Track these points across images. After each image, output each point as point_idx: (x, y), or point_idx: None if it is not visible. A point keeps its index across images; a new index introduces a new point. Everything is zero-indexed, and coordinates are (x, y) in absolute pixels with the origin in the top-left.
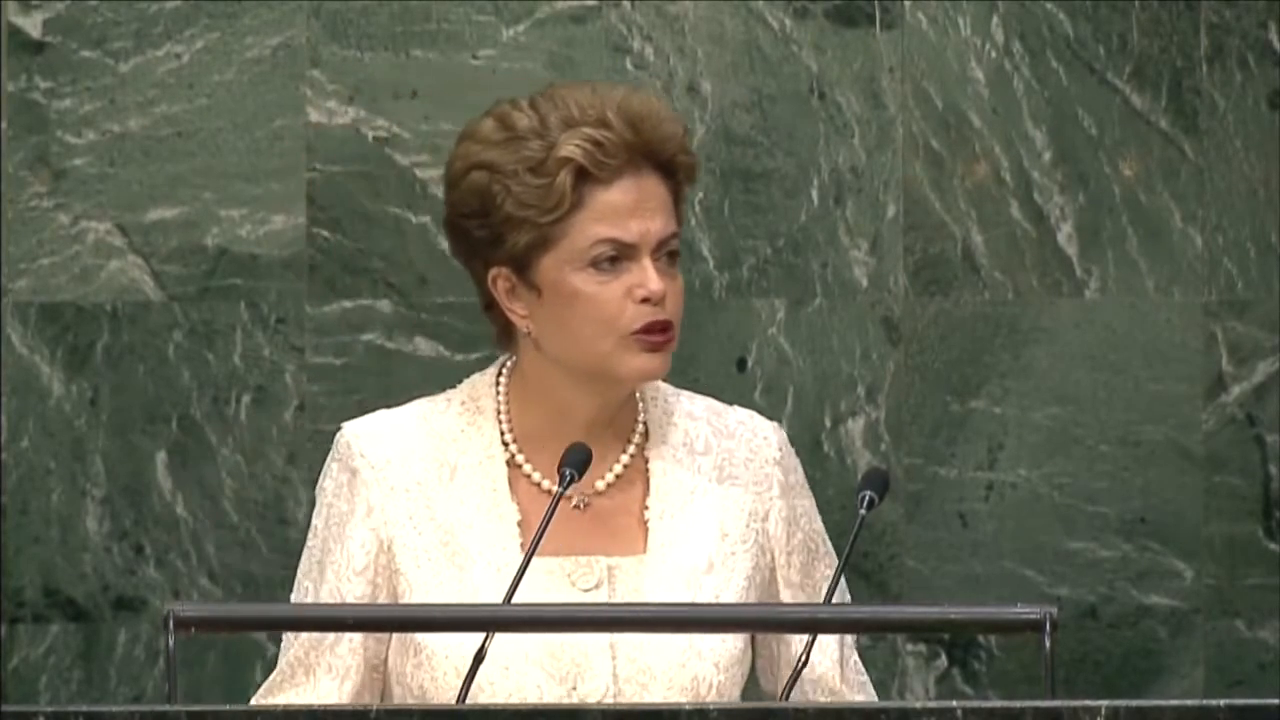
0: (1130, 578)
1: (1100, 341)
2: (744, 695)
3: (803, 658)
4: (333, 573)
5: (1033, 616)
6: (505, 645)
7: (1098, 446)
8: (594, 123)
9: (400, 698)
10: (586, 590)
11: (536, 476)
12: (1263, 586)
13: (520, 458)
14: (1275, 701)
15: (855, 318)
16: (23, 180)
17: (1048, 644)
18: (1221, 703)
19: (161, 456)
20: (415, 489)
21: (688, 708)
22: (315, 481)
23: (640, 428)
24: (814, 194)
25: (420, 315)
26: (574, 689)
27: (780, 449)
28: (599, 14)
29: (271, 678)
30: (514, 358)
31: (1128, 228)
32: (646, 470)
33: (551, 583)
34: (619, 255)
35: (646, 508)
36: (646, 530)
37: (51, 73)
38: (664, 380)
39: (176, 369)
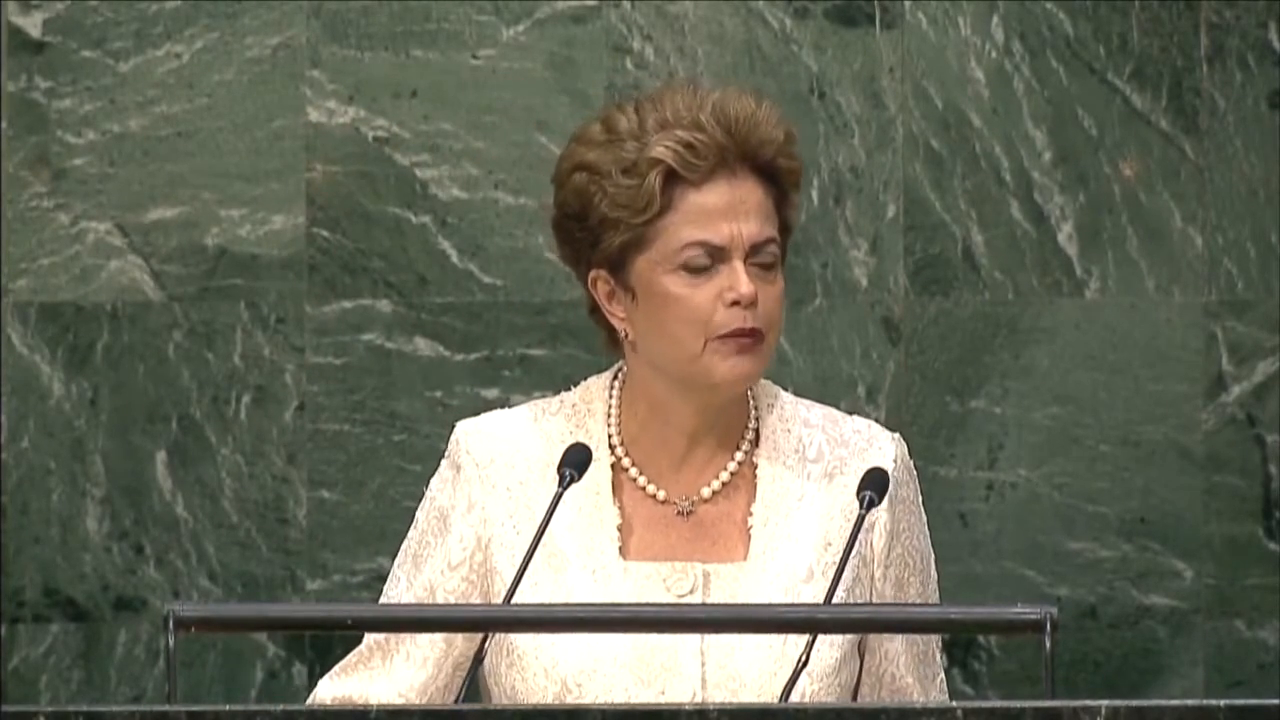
0: (1130, 578)
1: (1100, 341)
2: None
3: (802, 658)
4: (429, 566)
5: (1033, 616)
6: (595, 648)
7: (1098, 446)
8: (688, 125)
9: (496, 697)
10: (681, 596)
11: (642, 481)
12: (1263, 586)
13: (626, 461)
14: (1275, 701)
15: (855, 318)
16: (23, 180)
17: (1048, 644)
18: (1221, 703)
19: (161, 456)
20: (518, 488)
21: (688, 707)
22: (315, 481)
23: (750, 434)
24: (814, 194)
25: (420, 315)
26: (662, 693)
27: (895, 460)
28: (599, 14)
29: (348, 657)
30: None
31: (1128, 228)
32: (754, 477)
33: (648, 587)
34: (710, 258)
35: (750, 514)
36: (749, 537)
37: (51, 73)
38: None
39: (176, 369)
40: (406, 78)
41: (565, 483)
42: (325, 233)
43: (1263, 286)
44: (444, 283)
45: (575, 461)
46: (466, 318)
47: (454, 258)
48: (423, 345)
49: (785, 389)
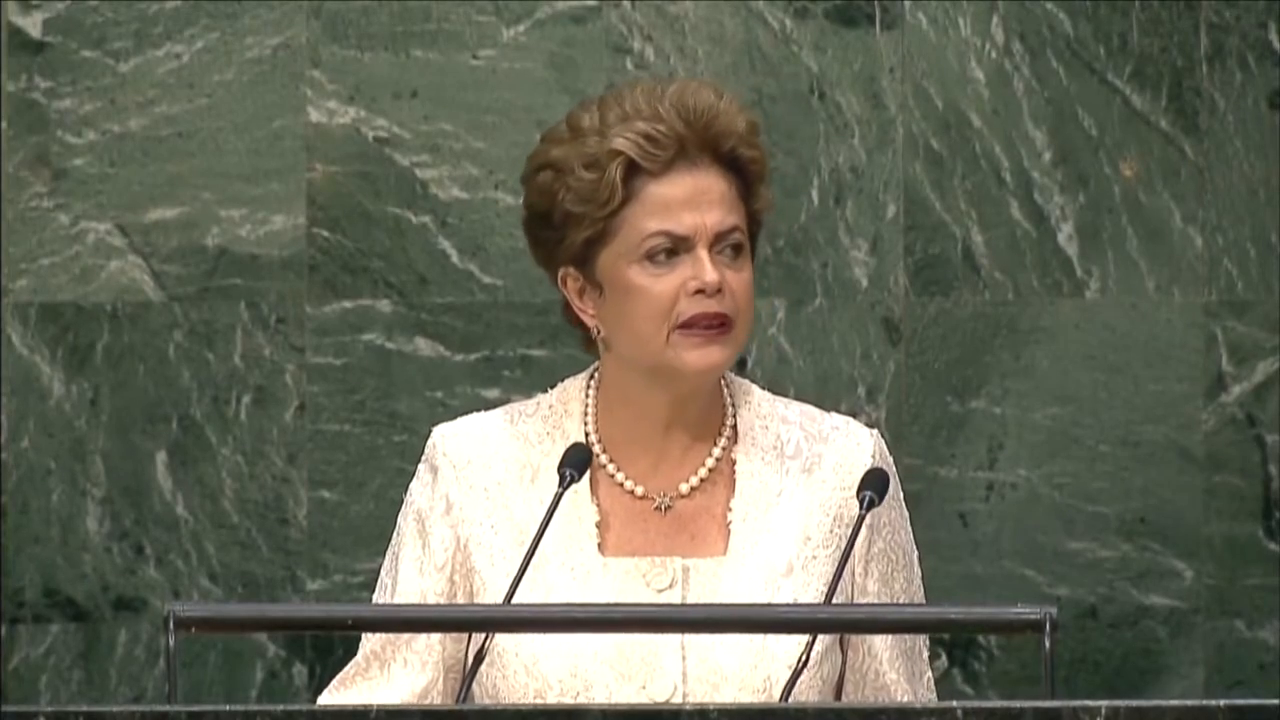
0: (1130, 578)
1: (1100, 341)
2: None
3: (803, 658)
4: (415, 569)
5: (1033, 616)
6: (575, 644)
7: (1098, 446)
8: (647, 116)
9: (478, 697)
10: (661, 591)
11: (620, 477)
12: (1263, 586)
13: (604, 458)
14: (1275, 701)
15: (855, 318)
16: (23, 180)
17: (1048, 644)
18: (1221, 703)
19: (161, 456)
20: (495, 489)
21: (688, 707)
22: (315, 482)
23: (727, 429)
24: (814, 194)
25: (420, 315)
26: (643, 688)
27: (874, 455)
28: (599, 14)
29: (346, 669)
30: None
31: (1128, 228)
32: (733, 472)
33: (627, 582)
34: (673, 248)
35: (730, 509)
36: (728, 532)
37: (51, 73)
38: (756, 384)
39: (176, 369)
40: (406, 78)
41: (566, 483)
42: (325, 233)
43: (1263, 286)
44: (444, 283)
45: (575, 461)
46: (466, 318)
47: (454, 258)
48: (423, 345)
49: (786, 390)
